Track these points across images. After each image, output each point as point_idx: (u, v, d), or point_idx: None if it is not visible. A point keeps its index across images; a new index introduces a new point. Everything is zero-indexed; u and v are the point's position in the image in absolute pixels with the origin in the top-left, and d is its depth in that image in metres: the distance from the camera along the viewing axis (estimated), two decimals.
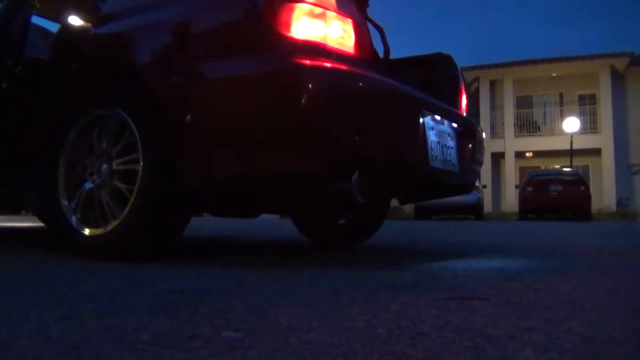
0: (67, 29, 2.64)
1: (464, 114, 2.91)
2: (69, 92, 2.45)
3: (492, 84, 24.05)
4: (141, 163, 2.05)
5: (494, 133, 23.20)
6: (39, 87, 2.63)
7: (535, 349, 0.89)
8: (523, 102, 23.95)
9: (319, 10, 1.94)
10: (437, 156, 2.29)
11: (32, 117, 2.61)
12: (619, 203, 20.45)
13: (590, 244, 3.79)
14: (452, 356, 0.84)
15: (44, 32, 3.93)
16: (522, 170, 22.33)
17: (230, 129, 1.94)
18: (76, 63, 2.48)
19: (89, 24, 2.48)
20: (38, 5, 2.89)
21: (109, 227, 2.11)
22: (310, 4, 1.93)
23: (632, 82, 22.41)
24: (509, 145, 22.80)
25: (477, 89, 23.89)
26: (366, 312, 1.17)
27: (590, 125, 22.34)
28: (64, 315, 1.11)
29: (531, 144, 23.03)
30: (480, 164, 2.91)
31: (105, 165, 2.22)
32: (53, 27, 3.88)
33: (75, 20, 2.53)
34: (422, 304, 1.28)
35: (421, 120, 2.20)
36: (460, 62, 3.26)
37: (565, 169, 17.10)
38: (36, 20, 3.61)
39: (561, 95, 23.97)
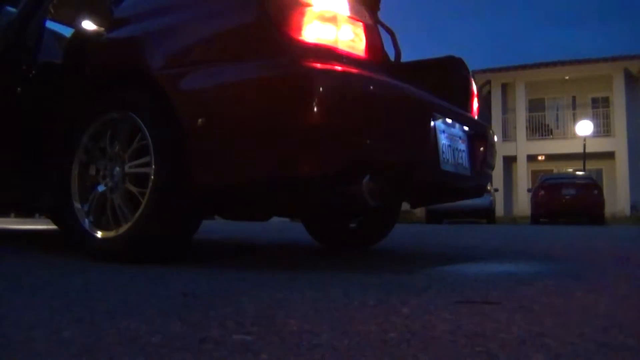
0: (80, 33, 2.67)
1: (476, 117, 2.90)
2: (82, 96, 2.48)
3: (504, 87, 23.91)
4: (153, 166, 2.06)
5: (506, 136, 23.06)
6: (52, 91, 2.66)
7: (548, 354, 0.88)
8: (535, 105, 23.77)
9: (329, 13, 1.94)
10: (448, 159, 2.28)
11: (46, 120, 2.64)
12: (633, 207, 20.20)
13: (604, 248, 3.75)
14: None
15: (58, 36, 3.98)
16: (534, 173, 22.13)
17: (241, 132, 1.94)
18: (89, 67, 2.51)
19: (102, 29, 2.51)
20: (52, 11, 2.92)
21: (121, 230, 2.13)
22: (321, 7, 1.94)
23: None
24: (521, 149, 22.64)
25: (489, 92, 23.75)
26: (377, 316, 1.16)
27: (604, 129, 22.12)
28: (77, 317, 1.12)
29: (543, 147, 22.85)
30: (492, 167, 2.89)
31: (117, 168, 2.23)
32: (67, 31, 3.92)
33: (88, 25, 2.56)
34: (433, 308, 1.27)
35: (432, 123, 2.20)
36: (472, 65, 3.25)
37: (578, 173, 16.93)
38: (50, 25, 3.65)
39: (574, 98, 23.76)
